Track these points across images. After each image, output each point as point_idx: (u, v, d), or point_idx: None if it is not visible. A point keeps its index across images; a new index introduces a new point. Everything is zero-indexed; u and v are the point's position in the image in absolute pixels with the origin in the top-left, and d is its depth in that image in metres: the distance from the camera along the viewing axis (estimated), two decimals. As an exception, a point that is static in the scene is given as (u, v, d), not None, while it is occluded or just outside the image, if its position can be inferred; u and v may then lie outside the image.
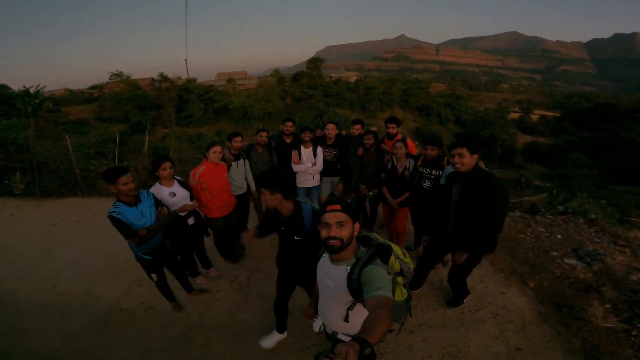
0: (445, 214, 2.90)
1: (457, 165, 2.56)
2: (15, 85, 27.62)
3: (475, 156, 2.54)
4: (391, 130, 4.23)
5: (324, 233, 1.61)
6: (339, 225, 1.58)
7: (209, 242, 3.94)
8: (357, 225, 1.65)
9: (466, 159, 2.51)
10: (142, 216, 2.72)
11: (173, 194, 3.15)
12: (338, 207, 1.60)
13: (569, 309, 3.28)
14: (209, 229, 3.74)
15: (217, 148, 3.47)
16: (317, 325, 3.03)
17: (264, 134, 4.25)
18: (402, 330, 2.94)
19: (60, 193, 6.75)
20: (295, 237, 2.25)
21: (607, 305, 3.30)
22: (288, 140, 4.47)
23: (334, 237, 1.58)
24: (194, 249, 3.73)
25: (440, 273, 3.91)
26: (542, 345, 2.92)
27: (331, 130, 4.31)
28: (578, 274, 3.81)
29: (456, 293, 3.34)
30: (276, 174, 2.30)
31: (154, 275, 3.10)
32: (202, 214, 3.63)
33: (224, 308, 3.44)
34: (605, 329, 3.03)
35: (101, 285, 3.84)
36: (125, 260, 4.29)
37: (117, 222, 2.59)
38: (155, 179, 3.19)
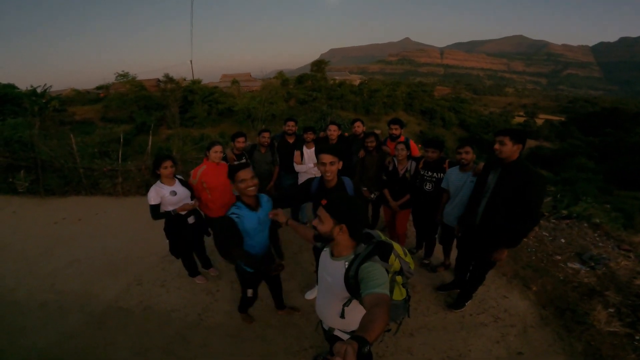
0: (473, 205, 2.86)
1: (496, 152, 2.57)
2: (23, 85, 27.95)
3: (519, 146, 2.52)
4: (394, 132, 4.22)
5: (314, 222, 1.68)
6: (320, 221, 1.65)
7: (209, 241, 3.94)
8: (343, 227, 1.68)
9: (506, 148, 2.50)
10: (258, 223, 2.44)
11: (174, 193, 3.15)
12: (325, 202, 1.66)
13: (571, 313, 3.23)
14: (210, 229, 3.73)
15: (218, 147, 3.46)
16: (310, 293, 3.42)
17: (267, 134, 4.25)
18: (400, 331, 2.92)
19: (64, 191, 6.78)
20: None
21: (611, 310, 3.25)
22: (290, 141, 4.46)
23: (314, 227, 1.66)
24: (194, 249, 3.71)
25: (442, 276, 3.88)
26: (544, 350, 2.88)
27: (333, 131, 4.30)
28: (581, 278, 3.76)
29: (462, 294, 3.28)
30: (339, 147, 2.61)
31: (250, 291, 2.79)
32: (202, 214, 3.61)
33: (223, 308, 3.42)
34: (608, 333, 2.98)
35: (100, 284, 3.84)
36: (125, 260, 4.31)
37: (230, 226, 2.29)
38: (157, 177, 3.19)
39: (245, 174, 2.31)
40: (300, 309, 3.35)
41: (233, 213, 2.32)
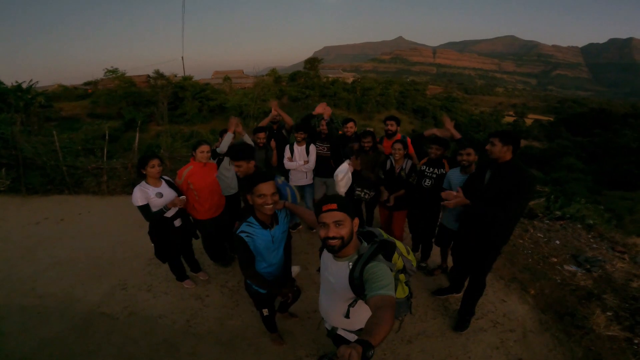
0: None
1: (488, 153, 2.59)
2: (8, 80, 27.17)
3: (509, 147, 2.50)
4: (390, 128, 4.14)
5: (322, 233, 1.55)
6: (336, 224, 1.52)
7: (198, 244, 3.78)
8: (356, 220, 1.60)
9: (495, 148, 2.50)
10: (272, 242, 2.16)
11: (160, 195, 2.98)
12: (334, 205, 1.52)
13: (570, 317, 3.18)
14: (198, 231, 3.57)
15: (205, 147, 3.31)
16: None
17: (262, 135, 4.11)
18: (398, 337, 2.84)
19: (46, 190, 6.54)
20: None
21: (609, 313, 3.22)
22: (275, 127, 4.60)
23: (333, 237, 1.52)
24: (181, 252, 3.54)
25: (439, 279, 3.79)
26: (544, 355, 2.82)
27: (323, 124, 4.22)
28: (578, 280, 3.72)
29: (463, 312, 3.06)
30: (243, 147, 2.68)
31: (265, 311, 2.55)
32: (190, 216, 3.45)
33: (213, 314, 3.28)
34: (608, 338, 2.95)
35: (83, 288, 3.66)
36: (109, 262, 4.14)
37: (241, 246, 2.04)
38: (142, 177, 3.00)
39: (267, 188, 1.98)
40: (298, 315, 3.22)
41: (243, 232, 2.04)
